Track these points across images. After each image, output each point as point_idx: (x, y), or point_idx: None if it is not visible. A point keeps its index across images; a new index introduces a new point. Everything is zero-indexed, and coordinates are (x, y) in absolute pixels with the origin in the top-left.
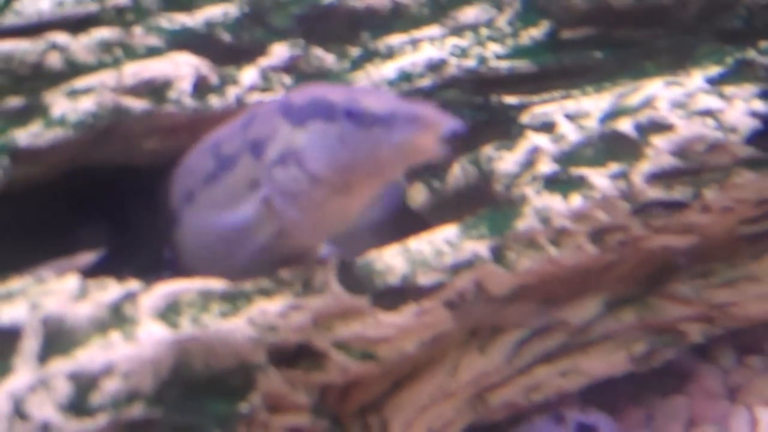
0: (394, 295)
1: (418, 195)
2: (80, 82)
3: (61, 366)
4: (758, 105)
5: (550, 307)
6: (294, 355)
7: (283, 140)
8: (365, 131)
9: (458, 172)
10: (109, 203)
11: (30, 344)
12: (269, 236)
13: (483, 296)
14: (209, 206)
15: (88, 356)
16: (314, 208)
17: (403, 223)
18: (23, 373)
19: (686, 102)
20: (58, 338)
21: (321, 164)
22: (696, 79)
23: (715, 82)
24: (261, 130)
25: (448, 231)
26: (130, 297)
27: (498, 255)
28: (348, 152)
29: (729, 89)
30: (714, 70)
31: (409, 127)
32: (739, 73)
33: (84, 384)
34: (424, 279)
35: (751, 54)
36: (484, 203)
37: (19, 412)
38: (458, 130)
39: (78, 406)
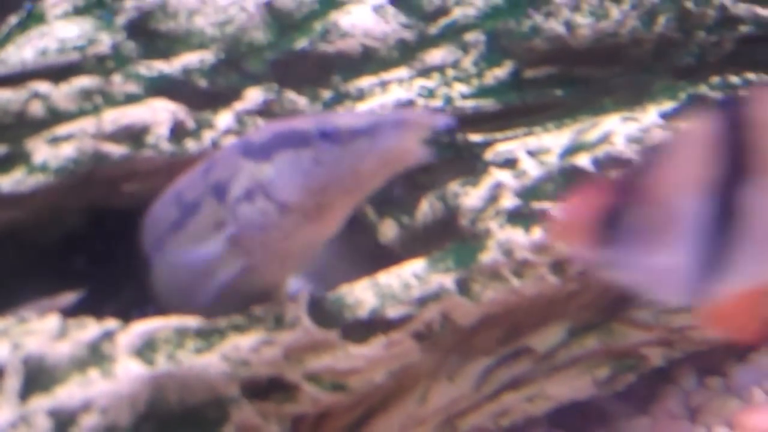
0: (364, 328)
1: (389, 230)
2: (61, 129)
3: (41, 403)
4: None
5: (515, 335)
6: (266, 388)
7: (247, 177)
8: (344, 147)
9: (426, 207)
10: (89, 245)
11: (11, 382)
12: (235, 274)
13: (449, 327)
14: (177, 251)
15: (68, 393)
16: (284, 240)
17: (374, 257)
18: (5, 410)
19: (642, 137)
20: (38, 376)
21: (292, 191)
22: (651, 114)
23: (669, 117)
24: (222, 172)
25: (416, 265)
26: (108, 335)
27: (463, 287)
28: (325, 172)
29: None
30: (668, 105)
31: (395, 130)
32: (691, 107)
33: (63, 420)
34: (393, 312)
35: (703, 89)
36: (450, 237)
37: None
38: (449, 125)
39: None
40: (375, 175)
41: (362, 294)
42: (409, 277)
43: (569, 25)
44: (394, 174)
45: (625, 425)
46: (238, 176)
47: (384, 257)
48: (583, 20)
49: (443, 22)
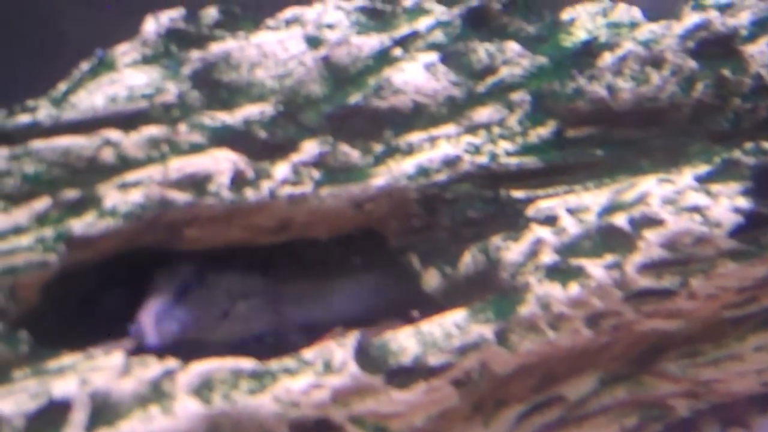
0: (406, 374)
1: (432, 279)
2: (130, 176)
3: None
4: (741, 202)
5: (549, 384)
6: (313, 429)
7: None
8: None
9: (469, 259)
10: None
11: (79, 416)
12: None
13: (487, 375)
14: None
15: (130, 428)
16: None
17: (418, 305)
18: None
19: (676, 198)
20: (103, 410)
21: None
22: (686, 176)
23: (703, 180)
24: None
25: (458, 315)
26: (169, 374)
27: (502, 338)
28: None
29: (715, 187)
30: (703, 168)
31: None
32: (725, 171)
33: None
34: (434, 359)
35: (737, 154)
36: (491, 289)
37: None
38: None
39: None
40: None
41: (405, 341)
42: (450, 326)
43: (611, 89)
44: None
45: None
46: None
47: (426, 305)
48: (624, 84)
49: (491, 81)
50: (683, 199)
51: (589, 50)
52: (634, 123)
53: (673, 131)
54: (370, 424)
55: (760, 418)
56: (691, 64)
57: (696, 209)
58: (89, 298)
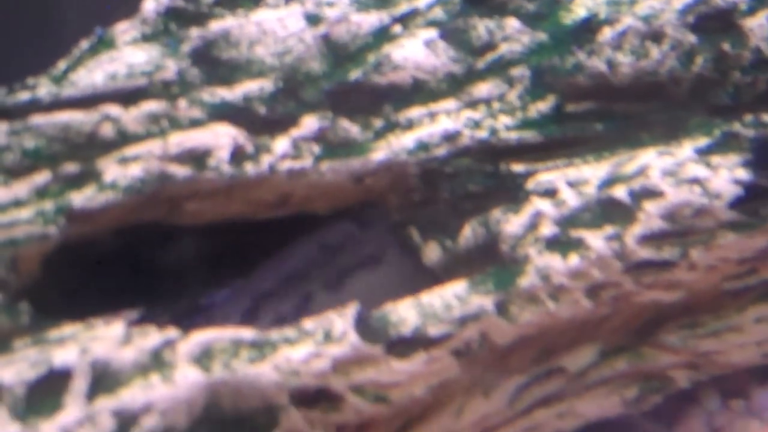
0: (406, 345)
1: (432, 253)
2: (130, 151)
3: (106, 404)
4: (741, 173)
5: (549, 355)
6: (314, 398)
7: None
8: None
9: (469, 232)
10: (152, 259)
11: (79, 384)
12: None
13: (487, 346)
14: None
15: (131, 396)
16: None
17: (417, 278)
18: (72, 409)
19: (676, 171)
20: (104, 379)
21: None
22: (686, 149)
23: (703, 153)
24: None
25: (458, 286)
26: (169, 344)
27: (502, 308)
28: None
29: (715, 159)
30: (703, 141)
31: None
32: (725, 144)
33: (126, 420)
34: (434, 330)
35: (736, 126)
36: (491, 262)
37: None
38: None
39: None
40: None
41: (405, 312)
42: (450, 297)
43: (611, 64)
44: None
45: None
46: None
47: (427, 278)
48: (624, 59)
49: (490, 57)
50: (683, 171)
51: (589, 27)
52: (634, 97)
53: (672, 105)
54: (370, 393)
55: (760, 389)
56: (691, 38)
57: (696, 181)
58: (90, 272)
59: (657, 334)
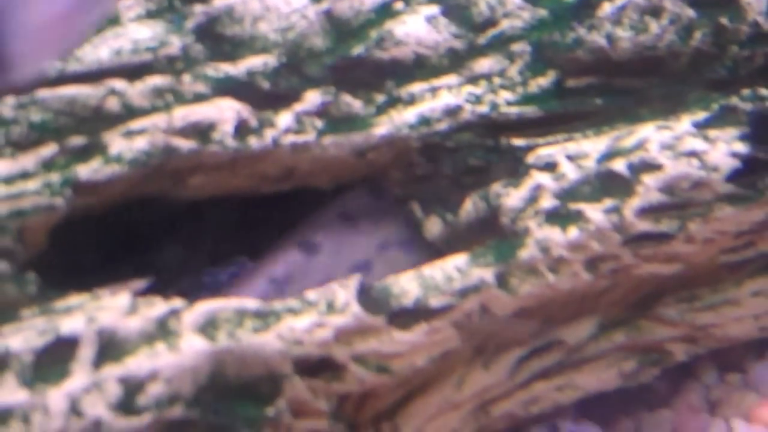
0: (408, 316)
1: (433, 227)
2: (135, 124)
3: (112, 371)
4: (739, 146)
5: (548, 328)
6: (317, 367)
7: None
8: None
9: (470, 206)
10: (156, 233)
11: (86, 352)
12: None
13: (487, 317)
14: None
15: (137, 363)
16: None
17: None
18: (79, 377)
19: (674, 144)
20: (110, 347)
21: None
22: (684, 123)
23: (701, 126)
24: None
25: (459, 259)
26: (175, 313)
27: (502, 280)
28: None
29: (713, 132)
30: (701, 115)
31: None
32: (723, 117)
33: (132, 387)
34: (435, 301)
35: (734, 100)
36: (492, 235)
37: (74, 409)
38: None
39: (126, 406)
40: None
41: (407, 284)
42: (451, 270)
43: (610, 38)
44: None
45: (647, 416)
46: None
47: (428, 252)
48: (623, 34)
49: (491, 33)
50: (681, 145)
51: (589, 2)
52: (633, 72)
53: (671, 80)
54: (372, 363)
55: (757, 363)
56: (690, 12)
57: (694, 154)
58: (96, 244)
59: (655, 308)
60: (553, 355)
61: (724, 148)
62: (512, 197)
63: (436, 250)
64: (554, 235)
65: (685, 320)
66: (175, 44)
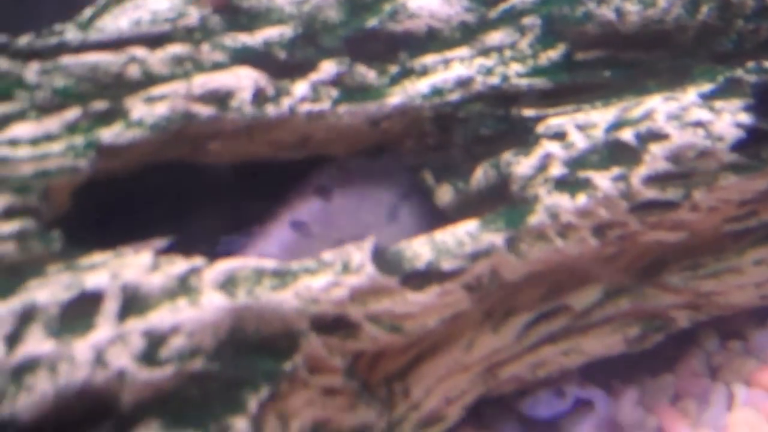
0: (420, 278)
1: (445, 195)
2: (156, 91)
3: (136, 324)
4: (743, 117)
5: (556, 294)
6: (332, 325)
7: None
8: None
9: (480, 175)
10: (176, 196)
11: (110, 306)
12: None
13: (497, 281)
14: None
15: (159, 317)
16: None
17: (431, 218)
18: (104, 329)
19: (680, 114)
20: (134, 302)
21: None
22: (690, 94)
23: (706, 98)
24: None
25: (470, 225)
26: (195, 271)
27: (512, 245)
28: None
29: (718, 103)
30: (706, 87)
31: None
32: (728, 89)
33: (155, 340)
34: (447, 264)
35: (739, 73)
36: (502, 202)
37: (99, 360)
38: None
39: (149, 357)
40: None
41: (420, 248)
42: (462, 234)
43: (619, 12)
44: None
45: (651, 381)
46: None
47: (440, 219)
48: (632, 7)
49: (502, 6)
50: (687, 115)
51: None
52: (641, 45)
53: (678, 53)
54: (385, 323)
55: (758, 330)
56: None
57: (699, 124)
58: (118, 206)
59: (660, 275)
60: (559, 320)
61: (729, 119)
62: (522, 165)
63: (447, 217)
64: (563, 201)
65: (689, 287)
66: (194, 15)
